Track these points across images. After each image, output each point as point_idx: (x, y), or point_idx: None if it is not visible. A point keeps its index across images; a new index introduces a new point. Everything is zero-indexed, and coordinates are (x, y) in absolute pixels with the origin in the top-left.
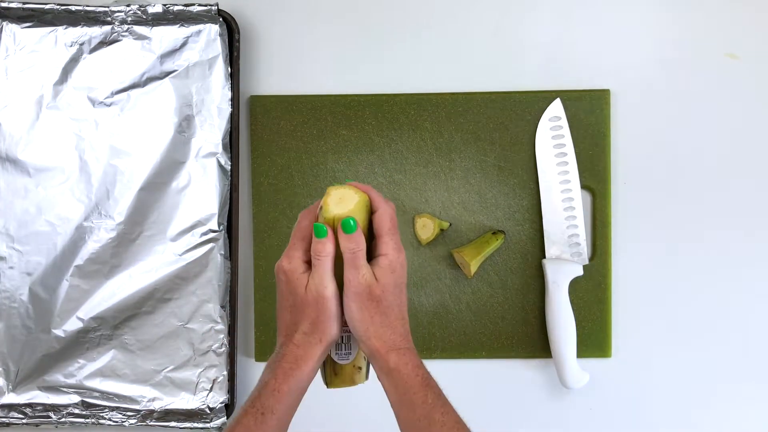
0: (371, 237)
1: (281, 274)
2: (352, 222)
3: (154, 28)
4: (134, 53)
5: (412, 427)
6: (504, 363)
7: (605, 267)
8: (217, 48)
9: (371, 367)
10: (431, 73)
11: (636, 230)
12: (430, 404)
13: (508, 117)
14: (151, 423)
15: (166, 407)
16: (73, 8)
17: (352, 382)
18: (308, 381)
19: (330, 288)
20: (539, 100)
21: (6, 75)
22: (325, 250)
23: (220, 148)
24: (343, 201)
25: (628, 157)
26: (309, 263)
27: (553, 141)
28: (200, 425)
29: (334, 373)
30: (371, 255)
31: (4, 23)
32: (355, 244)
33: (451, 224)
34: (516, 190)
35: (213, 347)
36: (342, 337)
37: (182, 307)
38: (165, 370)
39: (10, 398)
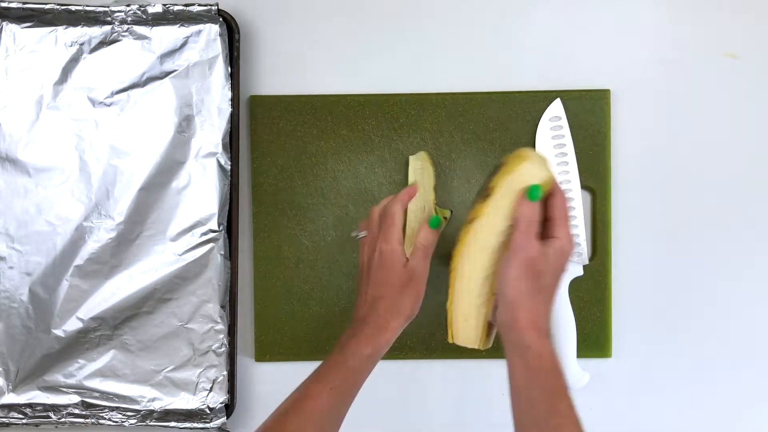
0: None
1: (378, 252)
2: (540, 192)
3: (154, 28)
4: (134, 53)
5: (530, 410)
6: (504, 363)
7: (605, 267)
8: (217, 48)
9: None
10: (431, 73)
11: (636, 230)
12: (558, 393)
13: (508, 117)
14: (151, 423)
15: (166, 407)
16: (73, 8)
17: (485, 344)
18: (385, 349)
19: (426, 270)
20: (539, 100)
21: (6, 75)
22: (434, 239)
23: (220, 148)
24: (532, 174)
25: (628, 157)
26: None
27: (553, 141)
28: (200, 425)
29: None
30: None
31: (4, 23)
32: (535, 213)
33: (452, 211)
34: None
35: (213, 347)
36: None
37: (182, 307)
38: (165, 370)
39: (10, 398)
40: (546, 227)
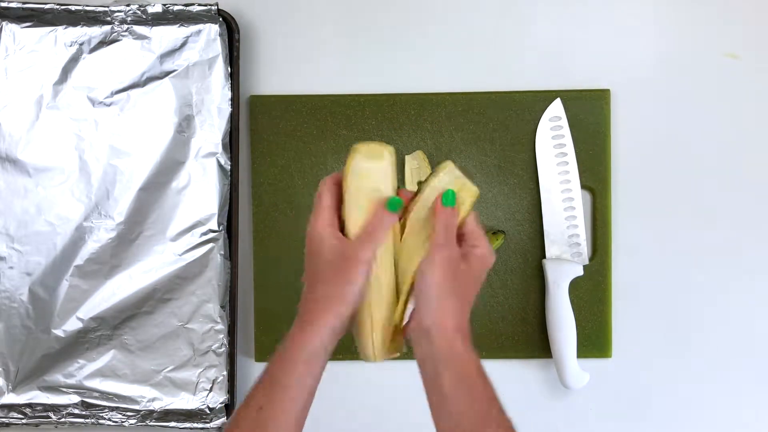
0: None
1: (307, 238)
2: (454, 196)
3: (154, 27)
4: (134, 53)
5: (461, 419)
6: (504, 363)
7: (605, 267)
8: (217, 48)
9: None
10: (431, 73)
11: (636, 230)
12: (488, 400)
13: (508, 117)
14: (151, 423)
15: (166, 407)
16: (73, 8)
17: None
18: (320, 348)
19: (367, 255)
20: (539, 100)
21: (6, 75)
22: (387, 222)
23: (220, 148)
24: (448, 182)
25: (628, 157)
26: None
27: (553, 141)
28: (200, 425)
29: (391, 340)
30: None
31: (4, 23)
32: (453, 218)
33: (505, 233)
34: (516, 190)
35: (213, 347)
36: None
37: (182, 307)
38: (165, 370)
39: (10, 398)
40: (464, 240)
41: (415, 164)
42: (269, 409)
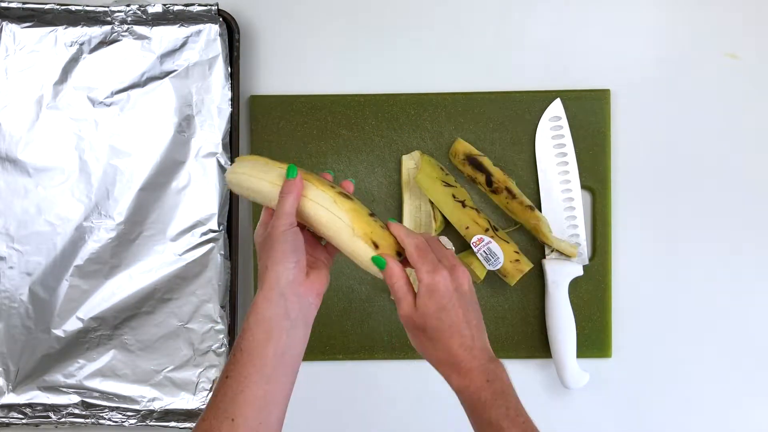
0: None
1: (256, 243)
2: (382, 261)
3: (154, 28)
4: (134, 53)
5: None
6: (504, 363)
7: (605, 267)
8: (217, 48)
9: None
10: (431, 73)
11: (636, 230)
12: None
13: (508, 117)
14: (151, 423)
15: (166, 407)
16: (73, 8)
17: (521, 271)
18: (270, 309)
19: (271, 236)
20: (539, 100)
21: (6, 75)
22: (295, 187)
23: (220, 148)
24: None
25: (628, 157)
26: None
27: (553, 141)
28: None
29: (504, 275)
30: None
31: (4, 23)
32: (394, 279)
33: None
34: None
35: (213, 347)
36: (484, 250)
37: (182, 307)
38: (165, 370)
39: (10, 398)
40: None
41: (412, 164)
42: (235, 375)
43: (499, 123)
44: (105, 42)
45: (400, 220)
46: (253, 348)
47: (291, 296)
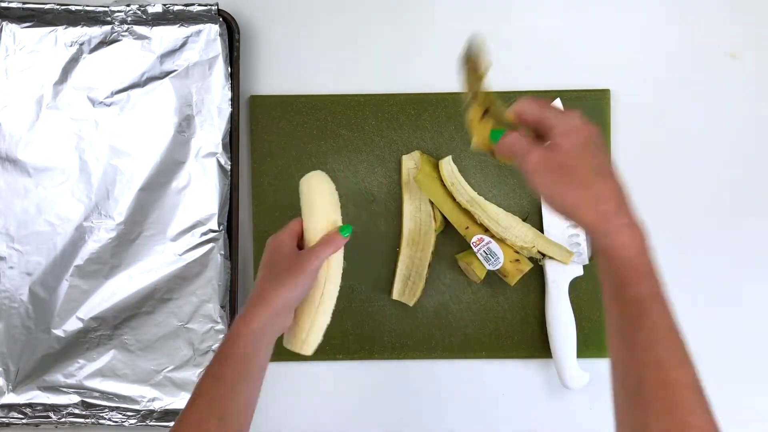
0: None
1: (267, 244)
2: (500, 133)
3: (154, 28)
4: (134, 53)
5: (616, 330)
6: (504, 363)
7: None
8: (217, 48)
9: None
10: (431, 73)
11: None
12: (642, 302)
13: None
14: (151, 423)
15: (166, 407)
16: (73, 8)
17: (521, 271)
18: (269, 324)
19: (312, 265)
20: None
21: (6, 75)
22: (335, 244)
23: (220, 148)
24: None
25: (628, 157)
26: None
27: None
28: None
29: (504, 275)
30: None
31: (4, 23)
32: (511, 140)
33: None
34: (516, 190)
35: (213, 347)
36: (484, 249)
37: (182, 307)
38: (165, 370)
39: (10, 398)
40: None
41: (412, 164)
42: (224, 378)
43: None
44: (105, 42)
45: (399, 220)
46: (245, 355)
47: (284, 318)
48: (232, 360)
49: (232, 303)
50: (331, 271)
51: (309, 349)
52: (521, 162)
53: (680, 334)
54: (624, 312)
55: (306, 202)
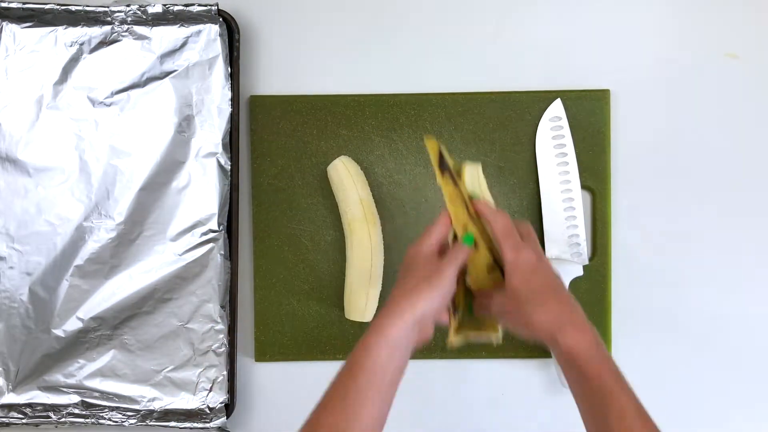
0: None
1: (406, 252)
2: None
3: (154, 28)
4: (134, 53)
5: (589, 413)
6: (504, 363)
7: (605, 267)
8: (217, 48)
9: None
10: (431, 73)
11: (636, 230)
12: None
13: (508, 117)
14: (151, 423)
15: (166, 407)
16: (73, 8)
17: (486, 336)
18: (401, 325)
19: (448, 274)
20: (539, 100)
21: (6, 75)
22: (464, 254)
23: (220, 148)
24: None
25: (628, 157)
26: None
27: (553, 141)
28: (200, 425)
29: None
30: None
31: (4, 23)
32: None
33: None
34: (516, 190)
35: (213, 347)
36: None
37: (182, 307)
38: (165, 370)
39: (10, 398)
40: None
41: (475, 173)
42: (353, 393)
43: (499, 123)
44: (105, 42)
45: (400, 220)
46: (376, 368)
47: (426, 326)
48: (360, 372)
49: (232, 303)
50: (375, 247)
51: (369, 315)
52: (489, 308)
53: (646, 412)
54: (592, 402)
55: (340, 186)
